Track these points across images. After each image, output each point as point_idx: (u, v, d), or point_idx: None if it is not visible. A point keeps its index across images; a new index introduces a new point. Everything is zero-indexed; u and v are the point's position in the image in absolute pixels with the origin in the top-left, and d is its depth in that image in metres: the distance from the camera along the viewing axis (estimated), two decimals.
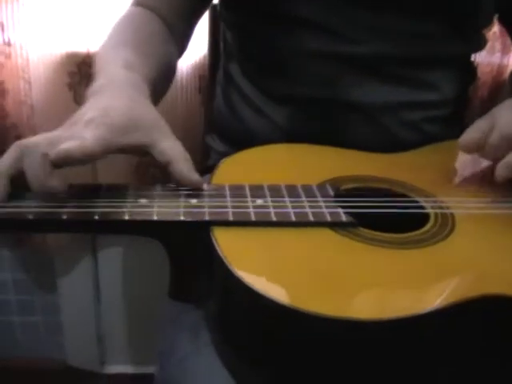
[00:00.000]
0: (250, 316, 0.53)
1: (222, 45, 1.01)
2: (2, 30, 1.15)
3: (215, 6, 1.08)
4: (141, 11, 0.85)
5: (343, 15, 0.77)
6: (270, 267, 0.53)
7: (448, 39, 0.80)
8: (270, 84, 0.86)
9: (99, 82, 0.67)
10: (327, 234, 0.58)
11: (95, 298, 1.52)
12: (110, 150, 0.57)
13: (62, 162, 0.54)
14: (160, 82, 0.77)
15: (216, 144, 1.00)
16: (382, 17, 0.76)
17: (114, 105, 0.61)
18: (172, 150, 0.60)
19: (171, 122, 1.20)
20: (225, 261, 0.52)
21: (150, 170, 1.29)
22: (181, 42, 0.89)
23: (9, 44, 1.16)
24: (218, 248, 0.54)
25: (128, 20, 0.84)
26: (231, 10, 0.89)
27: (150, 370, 1.58)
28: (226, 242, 0.55)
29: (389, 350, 0.51)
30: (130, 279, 1.51)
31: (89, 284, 1.50)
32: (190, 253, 0.60)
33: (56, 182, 0.54)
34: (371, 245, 0.57)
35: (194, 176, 0.60)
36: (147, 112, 0.62)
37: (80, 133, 0.56)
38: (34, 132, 1.21)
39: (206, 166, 1.02)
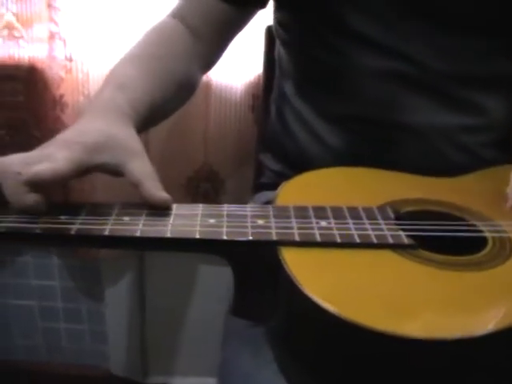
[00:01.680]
0: (317, 333, 0.55)
1: (277, 64, 1.03)
2: (64, 45, 1.19)
3: (271, 28, 1.10)
4: (171, 23, 0.86)
5: (403, 33, 0.77)
6: (338, 287, 0.55)
7: (508, 61, 0.80)
8: (324, 103, 0.86)
9: (89, 102, 0.70)
10: (389, 255, 0.59)
11: (141, 308, 1.54)
12: (80, 170, 0.59)
13: (33, 184, 0.56)
14: (163, 99, 0.77)
15: (270, 162, 1.01)
16: (443, 35, 0.77)
17: (89, 126, 0.64)
18: (140, 169, 0.61)
19: (223, 139, 1.26)
20: (294, 280, 0.54)
21: (202, 186, 1.31)
22: (211, 55, 0.90)
23: (70, 59, 1.19)
24: (286, 267, 0.55)
25: (153, 32, 0.85)
26: (287, 28, 0.90)
27: (191, 381, 1.60)
28: (294, 261, 0.56)
29: (442, 369, 0.52)
30: (176, 291, 1.53)
31: (135, 294, 1.52)
32: (254, 271, 0.61)
33: (32, 200, 0.56)
34: (432, 266, 0.59)
35: (161, 194, 0.61)
36: (119, 133, 0.63)
37: (53, 154, 0.58)
38: None
39: (259, 184, 1.04)
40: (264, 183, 1.02)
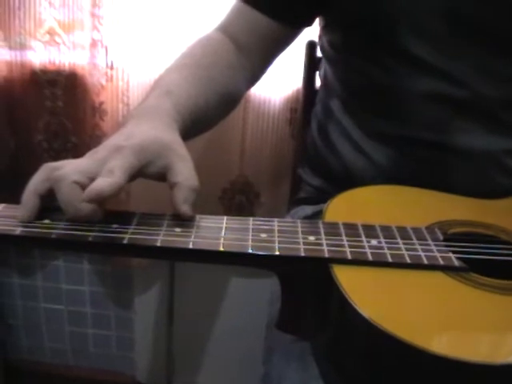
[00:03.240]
0: (368, 352, 0.55)
1: (321, 80, 1.03)
2: (106, 52, 1.20)
3: (313, 42, 1.11)
4: (217, 36, 0.87)
5: (455, 56, 0.77)
6: (392, 307, 0.55)
7: None
8: (372, 123, 0.86)
9: (135, 108, 0.72)
10: (440, 277, 0.59)
11: (168, 317, 1.55)
12: (132, 176, 0.58)
13: (93, 201, 0.56)
14: (206, 108, 0.77)
15: (308, 177, 1.01)
16: (494, 59, 0.77)
17: (135, 130, 0.63)
18: (184, 173, 0.60)
19: (260, 152, 1.26)
20: (348, 298, 0.54)
21: (237, 198, 1.31)
22: (255, 70, 0.90)
23: (111, 67, 1.21)
24: (340, 285, 0.55)
25: (199, 44, 0.85)
26: (337, 48, 0.90)
27: None
28: (347, 279, 0.56)
29: None
30: (204, 302, 1.53)
31: (164, 303, 1.53)
32: (302, 286, 0.61)
33: (90, 209, 0.56)
34: (483, 290, 0.58)
35: (184, 208, 0.60)
36: (165, 136, 0.63)
37: (107, 163, 0.57)
38: None
39: (297, 198, 1.04)
40: (302, 198, 1.02)
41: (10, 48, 1.26)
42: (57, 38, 1.25)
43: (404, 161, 0.84)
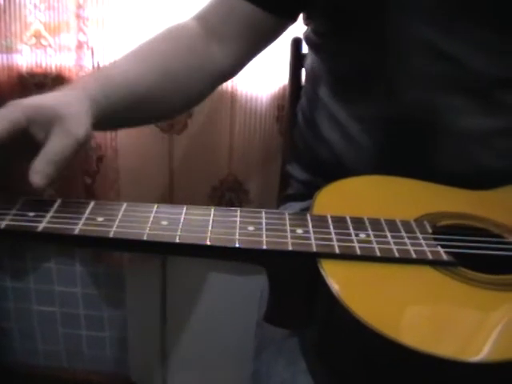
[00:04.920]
0: (354, 348, 0.55)
1: (307, 73, 1.03)
2: (92, 54, 1.20)
3: (298, 39, 1.11)
4: (189, 24, 0.85)
5: (451, 34, 0.75)
6: (379, 302, 0.55)
7: None
8: (362, 105, 0.85)
9: None
10: (428, 271, 0.59)
11: (162, 316, 1.55)
12: (15, 129, 0.58)
13: None
14: (149, 92, 0.77)
15: (297, 173, 1.01)
16: (493, 36, 0.75)
17: (42, 96, 0.64)
18: (49, 146, 0.59)
19: (248, 149, 1.26)
20: (335, 293, 0.54)
21: (226, 195, 1.31)
22: (231, 59, 0.87)
23: (98, 68, 1.20)
24: (327, 280, 0.55)
25: (165, 30, 0.84)
26: (323, 35, 0.89)
27: None
28: (334, 274, 0.56)
29: None
30: (197, 300, 1.53)
31: (156, 302, 1.53)
32: (290, 279, 0.61)
33: None
34: (471, 285, 0.59)
35: (33, 176, 0.57)
36: (63, 107, 0.62)
37: None
38: (116, 153, 1.26)
39: (286, 195, 1.04)
40: (290, 194, 1.02)
41: None
42: (43, 41, 1.24)
43: (393, 144, 0.83)
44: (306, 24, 0.94)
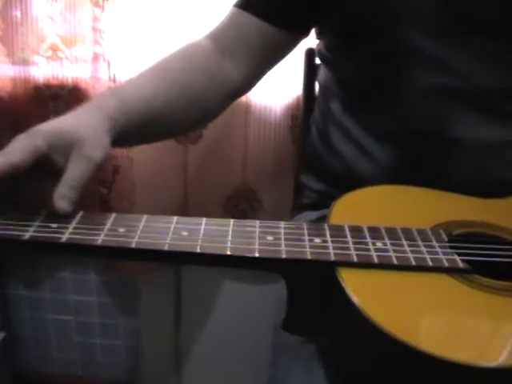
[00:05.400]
0: (372, 355, 0.56)
1: (320, 86, 1.04)
2: (108, 66, 1.22)
3: (311, 49, 1.12)
4: (203, 42, 0.87)
5: (454, 47, 0.77)
6: (397, 310, 0.56)
7: None
8: (374, 121, 0.86)
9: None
10: (445, 279, 0.60)
11: (176, 324, 1.56)
12: (36, 156, 0.60)
13: None
14: (166, 110, 0.78)
15: (311, 182, 1.01)
16: (494, 49, 0.77)
17: (59, 119, 0.66)
18: (69, 171, 0.61)
19: (262, 159, 1.27)
20: (354, 301, 0.55)
21: (240, 205, 1.32)
22: (244, 77, 0.88)
23: (114, 80, 1.22)
24: (346, 288, 0.56)
25: (179, 49, 0.86)
26: (335, 51, 0.90)
27: None
28: (353, 282, 0.57)
29: None
30: (211, 307, 1.54)
31: (171, 310, 1.54)
32: (308, 287, 0.62)
33: None
34: (488, 292, 0.59)
35: (58, 202, 0.60)
36: (82, 130, 0.64)
37: (14, 145, 0.60)
38: (132, 163, 1.27)
39: (301, 204, 1.04)
40: (305, 203, 1.03)
41: (14, 64, 1.27)
42: (59, 53, 1.26)
43: (405, 156, 0.84)
44: (318, 38, 0.95)
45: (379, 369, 0.56)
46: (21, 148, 0.60)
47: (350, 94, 0.90)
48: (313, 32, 0.92)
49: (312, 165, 1.02)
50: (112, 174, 1.28)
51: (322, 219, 0.89)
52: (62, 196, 0.60)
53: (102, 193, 1.30)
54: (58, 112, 1.24)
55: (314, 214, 0.96)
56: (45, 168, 0.62)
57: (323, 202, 0.95)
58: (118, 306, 1.56)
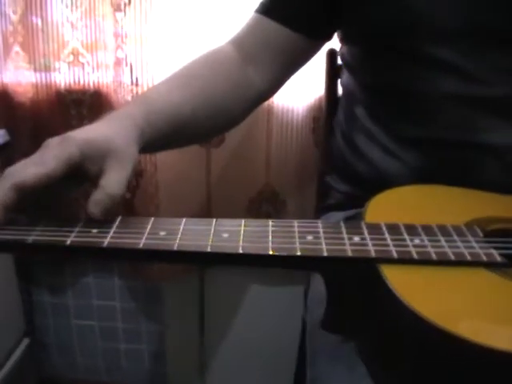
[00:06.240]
0: (417, 346, 0.56)
1: (343, 88, 1.04)
2: (131, 70, 1.22)
3: (333, 51, 1.12)
4: (226, 48, 0.87)
5: (478, 58, 0.77)
6: (440, 302, 0.56)
7: None
8: (400, 128, 0.86)
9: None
10: (483, 273, 0.60)
11: (200, 329, 1.56)
12: (71, 166, 0.60)
13: (20, 190, 0.57)
14: (193, 117, 0.78)
15: (337, 184, 1.02)
16: (510, 57, 0.77)
17: (90, 128, 0.65)
18: (107, 179, 0.61)
19: (285, 161, 1.28)
20: (398, 297, 0.55)
21: (263, 207, 1.32)
22: (267, 84, 0.89)
23: (136, 84, 1.23)
24: (389, 284, 0.56)
25: (203, 55, 0.86)
26: (358, 58, 0.91)
27: None
28: (395, 278, 0.57)
29: None
30: (235, 312, 1.54)
31: (195, 315, 1.54)
32: (347, 287, 0.62)
33: (10, 199, 0.58)
34: None
35: (91, 208, 0.60)
36: (114, 138, 0.64)
37: (46, 154, 0.59)
38: (155, 166, 1.27)
39: (326, 205, 1.04)
40: (331, 204, 1.03)
41: (35, 70, 1.29)
42: (81, 58, 1.27)
43: (434, 161, 0.84)
44: (341, 43, 0.96)
45: (423, 361, 0.56)
46: (54, 157, 0.59)
47: (374, 100, 0.90)
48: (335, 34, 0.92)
49: (337, 167, 1.02)
50: (136, 178, 1.29)
51: (350, 219, 0.90)
52: (98, 202, 0.60)
53: (127, 198, 1.31)
54: (80, 117, 1.28)
55: (340, 215, 0.96)
56: (76, 175, 0.62)
57: (350, 202, 0.95)
58: (141, 310, 1.57)
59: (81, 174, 0.62)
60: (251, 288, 1.50)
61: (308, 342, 0.81)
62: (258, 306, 1.50)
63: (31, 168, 0.58)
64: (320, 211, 1.09)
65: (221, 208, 1.33)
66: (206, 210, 1.33)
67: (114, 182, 0.61)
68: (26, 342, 1.56)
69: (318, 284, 0.85)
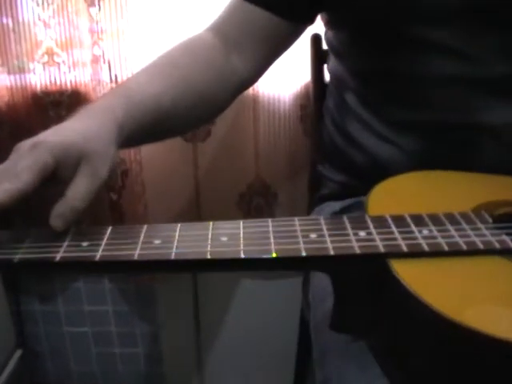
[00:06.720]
0: (432, 341, 0.54)
1: (330, 74, 1.01)
2: (109, 67, 1.19)
3: (317, 35, 1.09)
4: (205, 35, 0.85)
5: (469, 36, 0.75)
6: (455, 295, 0.54)
7: None
8: (394, 113, 0.84)
9: (88, 105, 0.70)
10: (498, 261, 0.58)
11: (195, 329, 1.54)
12: (45, 174, 0.57)
13: None
14: (174, 106, 0.76)
15: (330, 173, 0.99)
16: (508, 35, 0.75)
17: (67, 126, 0.63)
18: (73, 190, 0.58)
19: (274, 152, 1.25)
20: (411, 291, 0.52)
21: (254, 200, 1.30)
22: (250, 69, 0.86)
23: (116, 81, 1.20)
24: (400, 279, 0.54)
25: (181, 43, 0.84)
26: (345, 44, 0.89)
27: None
28: (406, 272, 0.54)
29: None
30: (230, 310, 1.52)
31: (189, 315, 1.52)
32: (355, 284, 0.60)
33: None
34: None
35: (53, 220, 0.57)
36: (91, 141, 0.61)
37: (18, 164, 0.57)
38: (141, 165, 1.24)
39: (322, 195, 1.02)
40: (326, 194, 1.01)
41: (9, 73, 1.24)
42: (56, 58, 1.23)
43: (431, 145, 0.82)
44: (327, 28, 0.93)
45: (440, 358, 0.53)
46: (27, 169, 0.56)
47: (365, 86, 0.88)
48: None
49: (329, 155, 1.00)
50: (121, 178, 1.25)
51: (347, 209, 0.88)
52: (60, 215, 0.57)
53: (113, 199, 1.28)
54: (58, 119, 1.21)
55: (337, 205, 0.94)
56: (48, 179, 0.59)
57: (345, 192, 0.93)
58: (134, 313, 1.53)
59: (53, 177, 0.59)
60: (246, 284, 1.47)
61: (314, 342, 0.79)
62: (254, 302, 1.48)
63: (3, 185, 0.55)
64: (314, 202, 1.06)
65: (210, 204, 1.30)
66: (195, 207, 1.30)
67: (79, 193, 0.58)
68: (18, 353, 1.53)
69: (319, 279, 0.82)
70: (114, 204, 1.28)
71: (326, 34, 0.96)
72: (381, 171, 0.75)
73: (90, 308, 1.54)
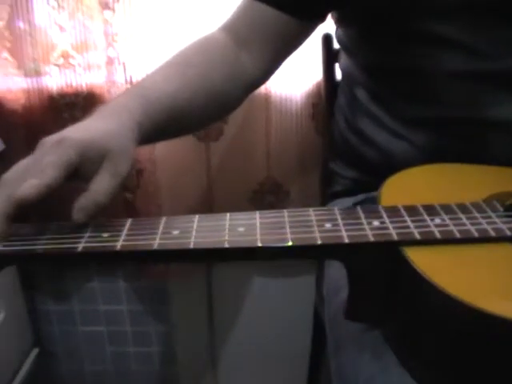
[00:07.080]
0: (448, 326, 0.55)
1: (342, 72, 1.02)
2: (124, 69, 1.20)
3: (328, 35, 1.10)
4: (217, 34, 0.86)
5: (478, 31, 0.76)
6: (469, 280, 0.54)
7: None
8: (405, 108, 0.85)
9: (106, 103, 0.71)
10: (509, 248, 0.59)
11: (210, 327, 1.55)
12: (70, 170, 0.58)
13: (21, 207, 0.56)
14: (189, 105, 0.77)
15: (342, 170, 1.00)
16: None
17: (89, 124, 0.64)
18: (96, 184, 0.59)
19: (286, 150, 1.26)
20: (426, 278, 0.53)
21: (266, 198, 1.31)
22: (261, 68, 0.87)
23: (131, 82, 1.21)
24: (415, 266, 0.55)
25: (195, 42, 0.84)
26: (356, 40, 0.90)
27: None
28: (420, 260, 0.55)
29: None
30: (244, 308, 1.53)
31: (203, 313, 1.52)
32: (369, 273, 0.61)
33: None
34: None
35: (76, 214, 0.58)
36: (112, 140, 0.62)
37: (43, 160, 0.58)
38: (155, 166, 1.25)
39: (334, 191, 1.03)
40: (339, 191, 1.01)
41: (25, 75, 1.26)
42: (71, 60, 1.25)
43: (443, 140, 0.83)
44: (337, 25, 0.94)
45: (455, 342, 0.55)
46: (53, 164, 0.57)
47: (376, 82, 0.89)
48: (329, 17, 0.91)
49: (341, 152, 1.01)
50: (136, 177, 1.27)
51: (359, 204, 0.88)
52: (83, 208, 0.58)
53: (128, 198, 1.29)
54: (74, 121, 1.23)
55: (349, 201, 0.95)
56: (72, 175, 0.60)
57: (358, 188, 0.94)
58: (149, 312, 1.55)
59: (75, 174, 0.60)
60: (259, 282, 1.48)
61: (329, 334, 0.80)
62: (267, 301, 1.49)
63: (30, 180, 0.56)
64: (326, 199, 1.07)
65: (223, 202, 1.31)
66: (208, 205, 1.31)
67: (103, 188, 0.59)
68: (35, 352, 1.54)
69: (332, 272, 0.83)
70: (129, 203, 1.30)
71: (336, 31, 0.97)
72: (392, 167, 0.76)
73: (105, 307, 1.55)
